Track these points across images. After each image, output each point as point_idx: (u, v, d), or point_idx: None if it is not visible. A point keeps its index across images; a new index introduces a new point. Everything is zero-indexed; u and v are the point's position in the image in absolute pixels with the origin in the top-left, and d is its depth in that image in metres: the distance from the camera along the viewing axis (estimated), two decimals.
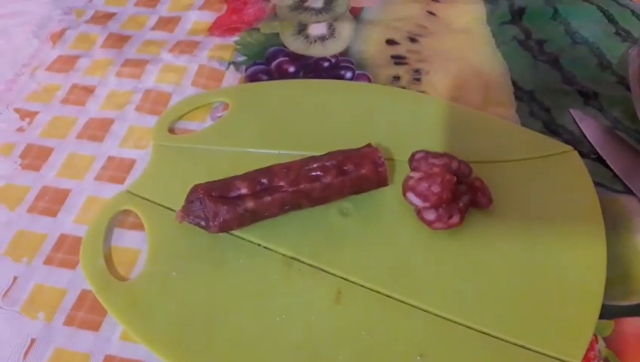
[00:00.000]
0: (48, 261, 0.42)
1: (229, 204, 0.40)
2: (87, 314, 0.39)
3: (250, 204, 0.40)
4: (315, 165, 0.41)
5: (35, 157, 0.48)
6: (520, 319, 0.37)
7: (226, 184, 0.40)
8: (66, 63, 0.56)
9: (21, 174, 0.47)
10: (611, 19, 0.56)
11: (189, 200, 0.40)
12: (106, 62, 0.56)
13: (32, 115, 0.52)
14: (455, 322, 0.37)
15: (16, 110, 0.52)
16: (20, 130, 0.50)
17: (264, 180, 0.41)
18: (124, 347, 0.38)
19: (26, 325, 0.39)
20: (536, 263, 0.39)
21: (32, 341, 0.38)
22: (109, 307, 0.38)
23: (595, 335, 0.37)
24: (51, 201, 0.45)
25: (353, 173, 0.41)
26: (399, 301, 0.38)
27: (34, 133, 0.50)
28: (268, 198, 0.40)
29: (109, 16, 0.61)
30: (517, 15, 0.58)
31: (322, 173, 0.41)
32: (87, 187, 0.46)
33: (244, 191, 0.40)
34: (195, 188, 0.40)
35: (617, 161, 0.45)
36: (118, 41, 0.58)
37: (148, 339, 0.37)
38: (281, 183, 0.40)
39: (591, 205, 0.41)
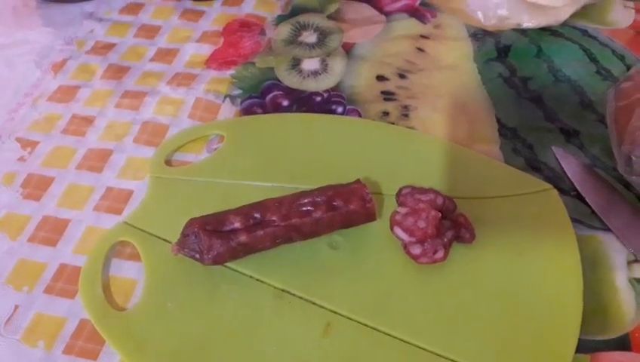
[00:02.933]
0: (48, 290, 0.43)
1: (223, 238, 0.41)
2: (85, 343, 0.40)
3: (243, 238, 0.41)
4: (305, 200, 0.43)
5: (35, 186, 0.50)
6: (500, 352, 0.39)
7: (220, 218, 0.42)
8: (66, 93, 0.58)
9: (22, 204, 0.49)
10: (593, 58, 0.59)
11: (184, 234, 0.42)
12: (106, 93, 0.57)
13: (33, 144, 0.53)
14: (438, 355, 0.38)
15: (18, 139, 0.54)
16: (21, 159, 0.52)
17: (257, 215, 0.42)
18: None
19: (26, 353, 0.40)
20: (516, 298, 0.41)
21: None
22: (107, 336, 0.40)
23: None
24: (51, 231, 0.47)
25: (342, 209, 0.43)
26: (386, 334, 0.40)
27: (35, 162, 0.52)
28: (260, 232, 0.42)
29: (109, 46, 0.63)
30: (503, 52, 0.60)
31: (313, 208, 0.43)
32: (86, 217, 0.48)
33: (237, 225, 0.42)
34: (191, 222, 0.42)
35: (595, 199, 0.47)
36: (118, 72, 0.60)
37: None
38: (273, 218, 0.42)
39: (568, 243, 0.43)
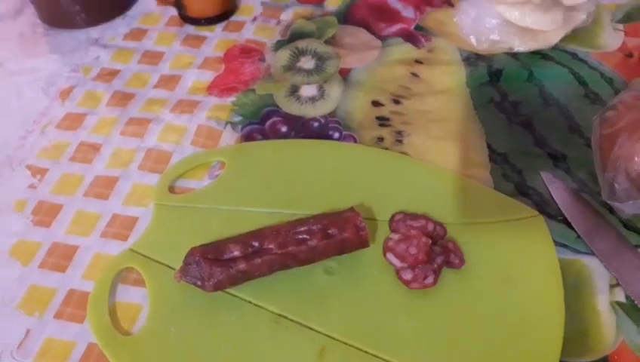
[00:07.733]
0: (58, 315, 0.45)
1: (223, 266, 0.43)
2: None
3: (242, 266, 0.44)
4: (301, 229, 0.45)
5: (45, 213, 0.52)
6: None
7: (220, 247, 0.44)
8: (73, 121, 0.60)
9: (33, 230, 0.51)
10: (582, 82, 0.61)
11: (186, 262, 0.44)
12: (111, 121, 0.60)
13: (42, 171, 0.55)
14: None
15: (28, 167, 0.56)
16: (32, 186, 0.54)
17: (255, 243, 0.45)
18: None
19: None
20: (502, 321, 0.43)
21: None
22: (114, 360, 0.42)
23: None
24: (61, 257, 0.49)
25: (337, 237, 0.45)
26: (378, 357, 0.42)
27: (45, 189, 0.54)
28: (258, 260, 0.44)
29: (114, 73, 0.65)
30: (495, 76, 0.62)
31: (308, 237, 0.45)
32: (93, 243, 0.50)
33: (236, 253, 0.44)
34: (192, 251, 0.44)
35: (580, 223, 0.48)
36: (123, 98, 0.62)
37: None
38: (271, 246, 0.44)
39: (552, 269, 0.45)
